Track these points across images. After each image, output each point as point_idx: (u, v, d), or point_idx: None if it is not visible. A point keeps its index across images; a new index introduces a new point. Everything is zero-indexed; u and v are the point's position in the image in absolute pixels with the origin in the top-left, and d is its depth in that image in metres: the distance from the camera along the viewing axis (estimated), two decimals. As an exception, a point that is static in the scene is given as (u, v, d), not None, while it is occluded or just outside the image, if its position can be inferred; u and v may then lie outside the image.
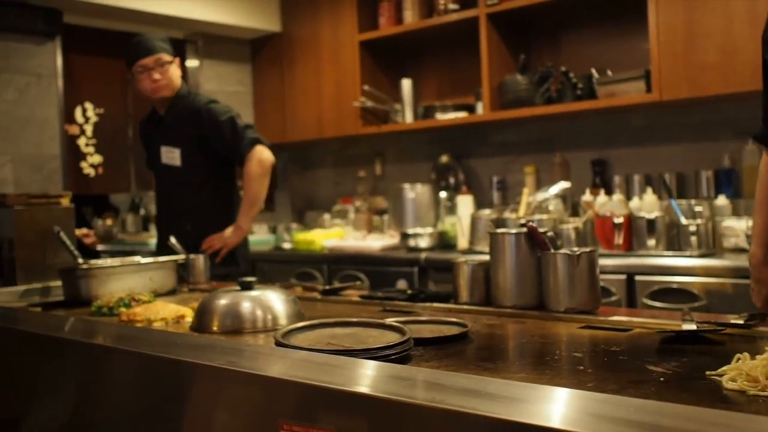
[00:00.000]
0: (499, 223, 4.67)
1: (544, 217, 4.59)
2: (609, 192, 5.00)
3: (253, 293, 2.30)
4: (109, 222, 6.84)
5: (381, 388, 1.33)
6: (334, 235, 6.02)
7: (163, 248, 4.14)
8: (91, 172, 6.07)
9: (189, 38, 6.63)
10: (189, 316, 2.52)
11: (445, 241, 5.45)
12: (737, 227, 4.24)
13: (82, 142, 6.06)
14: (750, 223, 3.94)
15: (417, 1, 5.81)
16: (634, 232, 4.43)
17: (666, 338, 1.88)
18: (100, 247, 6.18)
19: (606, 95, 4.83)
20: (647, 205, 4.62)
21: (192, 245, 3.91)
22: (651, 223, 4.38)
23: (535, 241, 2.33)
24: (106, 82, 6.25)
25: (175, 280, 3.34)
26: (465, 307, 2.47)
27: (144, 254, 4.45)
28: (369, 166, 6.70)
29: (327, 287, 3.06)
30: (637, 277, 4.15)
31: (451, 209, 5.62)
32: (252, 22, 6.50)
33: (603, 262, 4.01)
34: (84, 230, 4.41)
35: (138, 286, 3.09)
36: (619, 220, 4.40)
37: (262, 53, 6.91)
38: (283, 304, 2.30)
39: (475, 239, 5.00)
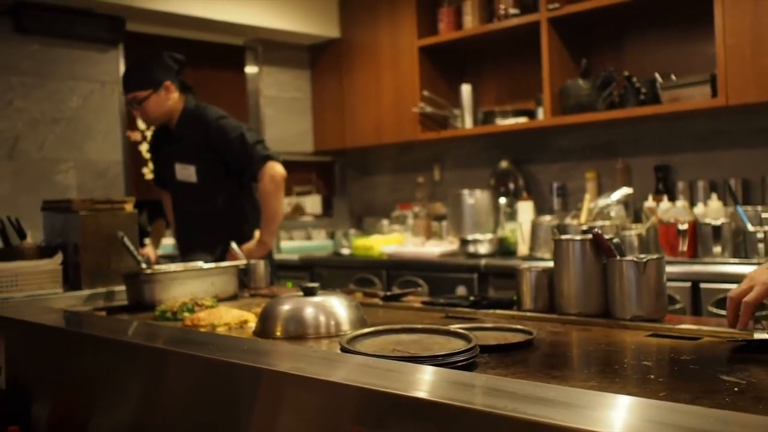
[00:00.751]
0: (561, 229, 4.63)
1: (606, 223, 4.54)
2: (672, 198, 4.93)
3: (316, 299, 2.30)
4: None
5: (448, 395, 1.31)
6: (392, 240, 6.02)
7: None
8: (152, 177, 6.13)
9: (248, 45, 6.68)
10: (252, 321, 2.53)
11: (504, 248, 5.42)
12: (805, 234, 4.15)
13: (143, 148, 6.13)
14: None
15: (477, 6, 5.79)
16: (699, 239, 4.36)
17: (737, 347, 1.84)
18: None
19: (670, 100, 4.76)
20: (712, 211, 4.54)
21: (214, 260, 3.89)
22: (716, 230, 4.31)
23: (600, 248, 2.30)
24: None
25: (237, 286, 3.36)
26: (528, 314, 2.45)
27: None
28: (428, 171, 6.69)
29: (388, 293, 3.05)
30: (702, 285, 4.08)
31: (511, 215, 5.59)
32: (311, 28, 6.54)
33: (667, 269, 3.93)
34: (146, 251, 4.46)
35: (200, 291, 3.11)
36: (684, 226, 4.34)
37: (321, 59, 6.94)
38: (345, 309, 2.30)
39: (535, 245, 4.96)
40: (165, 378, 1.95)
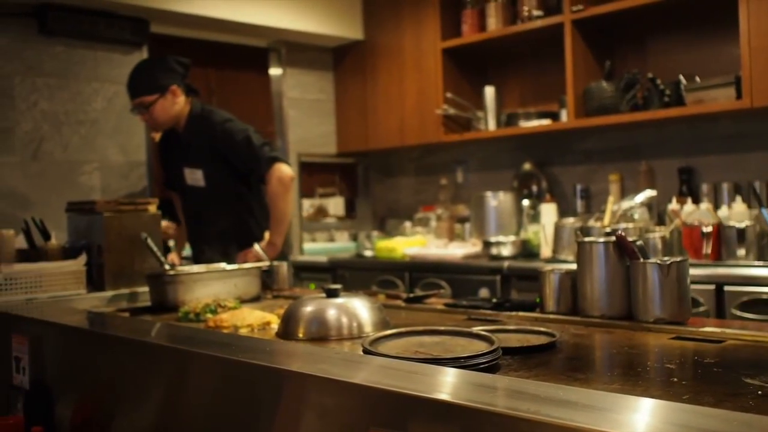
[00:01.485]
0: (584, 231, 4.61)
1: (630, 225, 4.50)
2: (696, 200, 4.91)
3: (339, 300, 2.30)
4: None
5: (470, 396, 1.31)
6: (415, 242, 6.01)
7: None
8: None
9: (272, 46, 6.70)
10: (274, 322, 2.54)
11: (527, 250, 5.41)
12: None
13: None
14: None
15: (500, 8, 5.77)
16: (723, 242, 4.33)
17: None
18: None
19: (694, 102, 4.73)
20: (736, 214, 4.51)
21: (225, 262, 3.90)
22: (741, 233, 4.28)
23: (624, 250, 2.29)
24: (191, 91, 6.33)
25: (259, 287, 3.37)
26: (551, 316, 2.44)
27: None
28: (451, 173, 6.68)
29: (410, 295, 3.05)
30: (726, 288, 4.06)
31: (534, 217, 5.58)
32: (335, 30, 6.54)
33: (691, 271, 3.92)
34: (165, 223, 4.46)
35: (223, 293, 3.12)
36: (708, 229, 4.32)
37: (344, 61, 6.94)
38: (368, 311, 2.30)
39: (558, 248, 4.94)
40: (187, 379, 1.96)
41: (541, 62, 6.01)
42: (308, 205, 6.83)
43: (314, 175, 6.81)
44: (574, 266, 2.43)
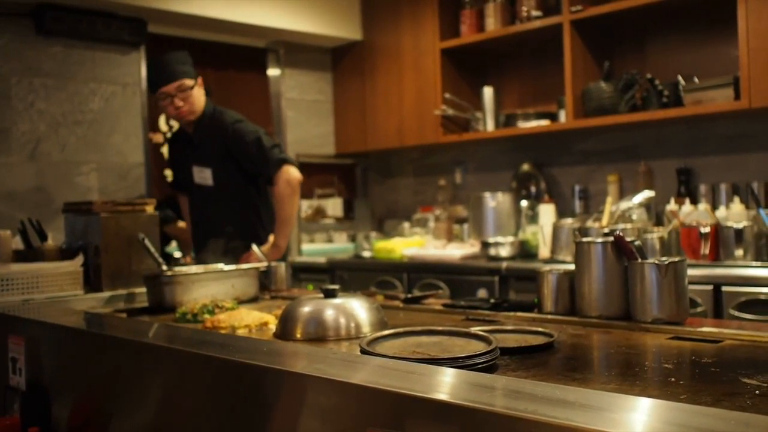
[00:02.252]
0: (583, 232, 4.60)
1: (628, 226, 4.51)
2: (694, 201, 4.91)
3: (337, 301, 2.30)
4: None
5: (468, 396, 1.31)
6: (414, 243, 6.01)
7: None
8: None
9: (270, 47, 6.69)
10: (272, 323, 2.53)
11: (526, 250, 5.41)
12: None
13: (165, 150, 6.15)
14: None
15: (499, 9, 5.77)
16: (721, 242, 4.33)
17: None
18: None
19: (692, 103, 4.73)
20: (734, 214, 4.51)
21: (229, 262, 3.90)
22: (738, 233, 4.28)
23: (622, 251, 2.29)
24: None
25: (257, 288, 3.36)
26: (549, 316, 2.44)
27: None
28: (449, 174, 6.68)
29: (409, 295, 3.05)
30: (724, 288, 4.06)
31: (533, 218, 5.58)
32: (333, 30, 6.54)
33: (689, 272, 3.92)
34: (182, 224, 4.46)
35: (221, 293, 3.12)
36: (706, 229, 4.31)
37: (342, 62, 6.94)
38: (366, 312, 2.30)
39: (557, 248, 4.94)
40: (185, 380, 1.95)
41: (539, 63, 6.01)
42: (306, 206, 6.82)
43: (313, 175, 6.79)
44: (572, 267, 2.42)
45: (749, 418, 1.09)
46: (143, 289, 3.24)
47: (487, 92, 5.90)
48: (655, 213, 5.04)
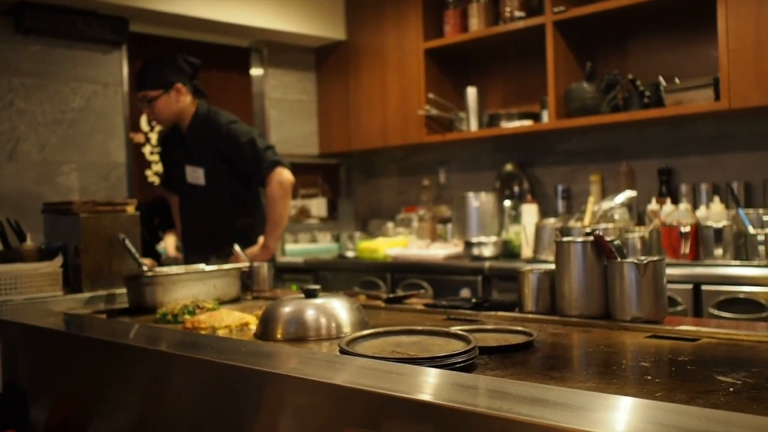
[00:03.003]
0: (564, 231, 4.62)
1: (610, 226, 4.53)
2: (675, 201, 4.93)
3: (317, 301, 2.29)
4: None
5: (446, 396, 1.32)
6: (397, 243, 6.01)
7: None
8: (155, 180, 6.12)
9: (254, 46, 6.68)
10: (253, 323, 2.53)
11: (509, 250, 5.42)
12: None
13: (146, 150, 6.13)
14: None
15: (483, 9, 5.78)
16: (701, 242, 4.36)
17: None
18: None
19: (673, 103, 4.76)
20: (714, 214, 4.54)
21: (219, 263, 3.89)
22: (718, 233, 4.31)
23: (601, 250, 2.30)
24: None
25: (239, 288, 3.35)
26: (530, 316, 2.45)
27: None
28: (433, 174, 6.68)
29: (391, 295, 3.05)
30: (704, 287, 4.08)
31: (516, 218, 5.59)
32: (317, 30, 6.53)
33: (669, 271, 3.94)
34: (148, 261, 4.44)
35: (202, 294, 3.11)
36: (686, 229, 4.34)
37: (326, 61, 6.94)
38: (347, 312, 2.30)
39: (539, 248, 4.95)
40: (165, 381, 1.95)
41: (522, 63, 6.03)
42: (290, 206, 6.80)
43: (296, 175, 6.66)
44: (553, 266, 2.43)
45: (721, 415, 1.10)
46: (124, 290, 3.22)
47: (471, 92, 5.91)
48: (637, 213, 5.07)
